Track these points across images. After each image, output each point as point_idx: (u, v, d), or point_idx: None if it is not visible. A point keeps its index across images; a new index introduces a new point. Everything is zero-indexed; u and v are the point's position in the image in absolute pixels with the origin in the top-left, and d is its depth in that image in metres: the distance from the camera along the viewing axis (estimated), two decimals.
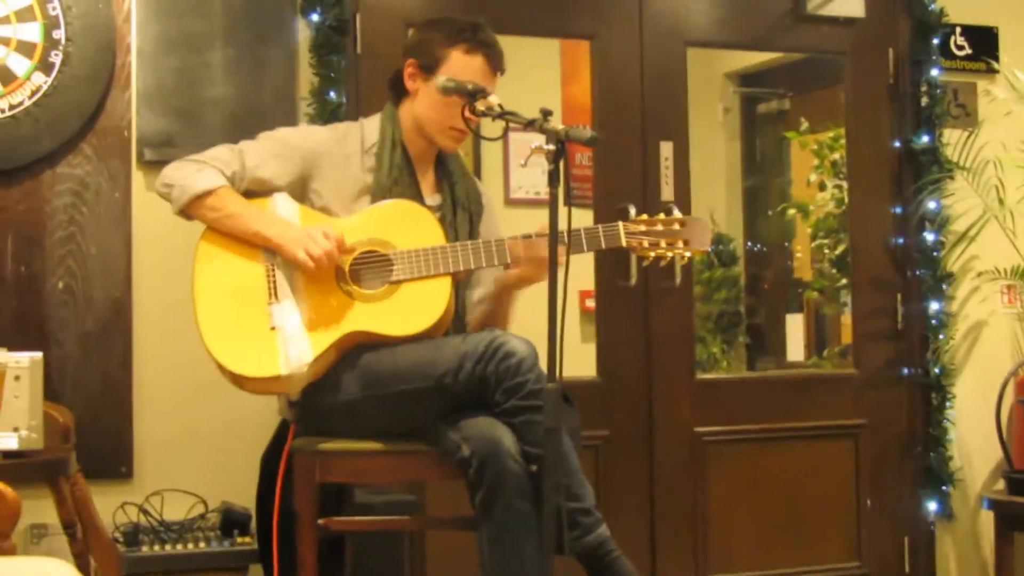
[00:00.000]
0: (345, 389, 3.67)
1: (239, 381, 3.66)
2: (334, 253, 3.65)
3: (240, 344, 3.64)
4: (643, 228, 3.80)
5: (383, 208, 3.81)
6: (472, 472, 3.47)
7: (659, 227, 3.80)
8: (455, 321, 3.87)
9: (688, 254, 3.82)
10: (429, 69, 3.91)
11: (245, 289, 3.71)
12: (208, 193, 3.77)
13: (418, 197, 3.90)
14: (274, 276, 3.72)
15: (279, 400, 3.89)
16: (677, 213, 3.85)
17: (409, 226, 3.77)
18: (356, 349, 3.69)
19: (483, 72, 3.87)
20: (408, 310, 3.68)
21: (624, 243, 3.78)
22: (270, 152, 3.88)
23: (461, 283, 3.93)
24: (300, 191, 3.87)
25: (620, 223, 3.78)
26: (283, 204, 3.82)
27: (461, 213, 3.98)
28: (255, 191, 3.84)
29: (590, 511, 3.52)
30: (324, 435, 3.75)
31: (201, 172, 3.80)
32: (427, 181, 3.99)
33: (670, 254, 3.81)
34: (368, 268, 3.73)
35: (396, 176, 3.87)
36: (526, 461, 3.46)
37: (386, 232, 3.75)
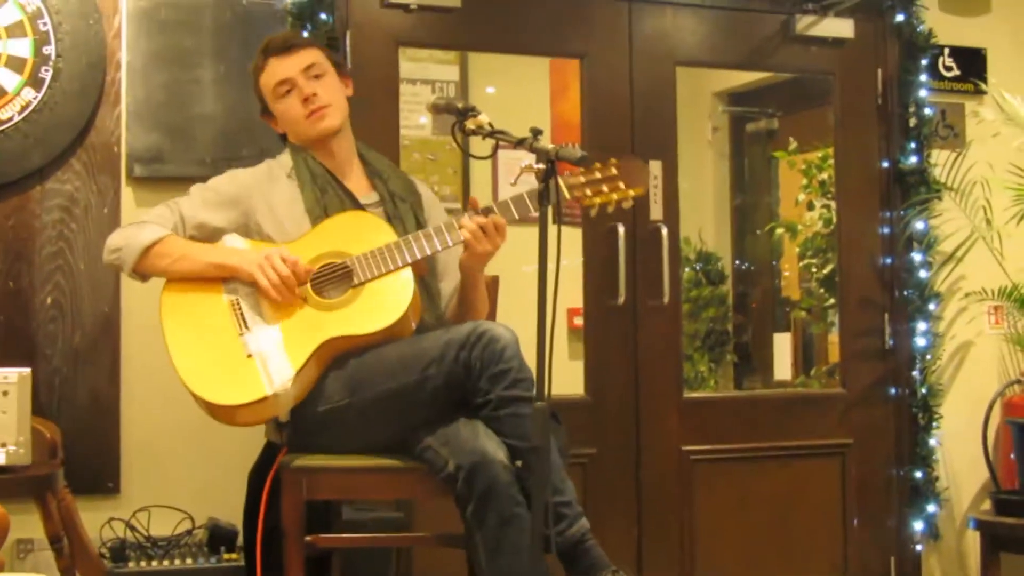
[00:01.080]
0: (332, 397, 3.68)
1: (231, 415, 3.68)
2: (290, 278, 3.70)
3: (223, 379, 3.67)
4: (582, 179, 3.84)
5: (328, 224, 3.86)
6: (460, 485, 3.47)
7: (597, 175, 3.84)
8: (434, 318, 3.90)
9: (632, 193, 3.85)
10: (264, 106, 4.12)
11: (214, 328, 3.75)
12: (155, 243, 3.83)
13: (350, 198, 3.97)
14: (239, 307, 3.77)
15: (266, 426, 3.89)
16: (610, 158, 3.87)
17: (358, 232, 3.82)
18: (341, 357, 3.71)
19: (282, 62, 4.02)
20: (375, 307, 3.72)
21: (568, 195, 3.82)
22: (206, 200, 3.95)
23: (428, 277, 3.96)
24: (245, 231, 3.94)
25: (559, 177, 3.79)
26: (233, 242, 3.90)
27: (401, 204, 4.03)
28: (200, 239, 3.91)
29: (571, 503, 3.52)
30: (316, 447, 3.75)
31: (143, 228, 3.88)
32: (357, 183, 4.05)
33: (615, 196, 3.83)
34: (328, 280, 3.77)
35: (322, 185, 3.95)
36: (512, 456, 3.47)
37: (337, 243, 3.80)
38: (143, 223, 3.90)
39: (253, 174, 4.04)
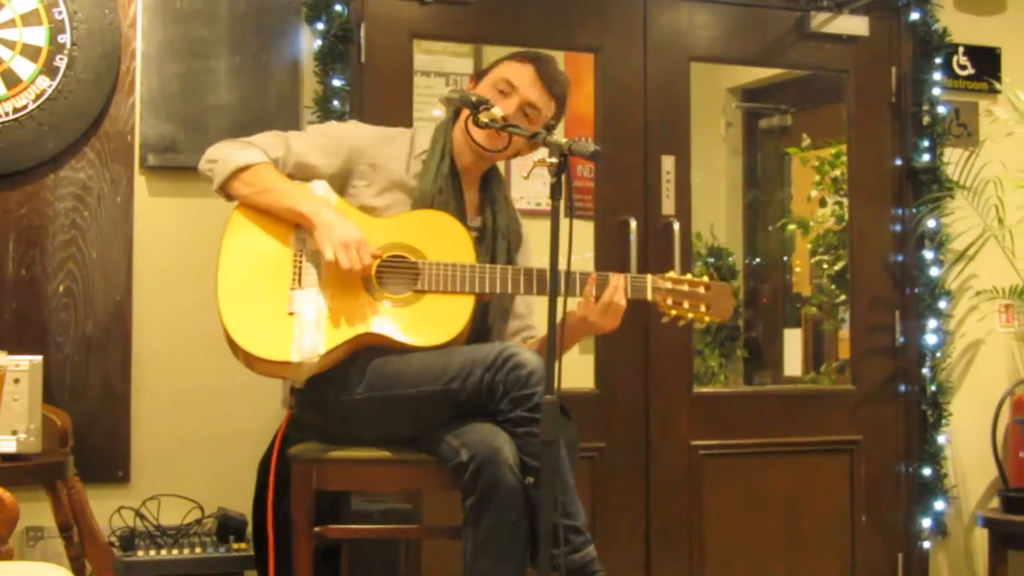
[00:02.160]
0: (351, 388, 3.65)
1: (249, 360, 3.62)
2: (363, 269, 3.62)
3: (256, 324, 3.61)
4: (669, 285, 3.81)
5: (420, 216, 3.78)
6: (467, 476, 3.46)
7: (685, 287, 3.81)
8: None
9: (708, 320, 3.84)
10: (482, 75, 3.96)
11: (270, 268, 3.67)
12: (249, 167, 3.72)
13: (461, 212, 3.86)
14: (301, 262, 3.68)
15: (283, 388, 3.87)
16: (705, 277, 3.85)
17: (442, 238, 3.74)
18: (367, 350, 3.66)
19: (532, 80, 3.86)
20: (427, 322, 3.66)
21: (649, 297, 3.80)
22: (317, 143, 3.85)
23: (493, 308, 3.90)
24: (341, 185, 3.83)
25: (649, 276, 3.79)
26: (321, 190, 3.79)
27: (500, 240, 3.94)
28: (297, 177, 3.80)
29: (580, 530, 3.50)
30: (327, 433, 3.75)
31: (244, 149, 3.77)
32: (471, 202, 3.95)
33: (691, 316, 3.82)
34: (394, 273, 3.69)
35: (441, 185, 3.83)
36: (524, 473, 3.46)
37: (418, 240, 3.72)
38: (247, 143, 3.80)
39: (376, 135, 3.93)
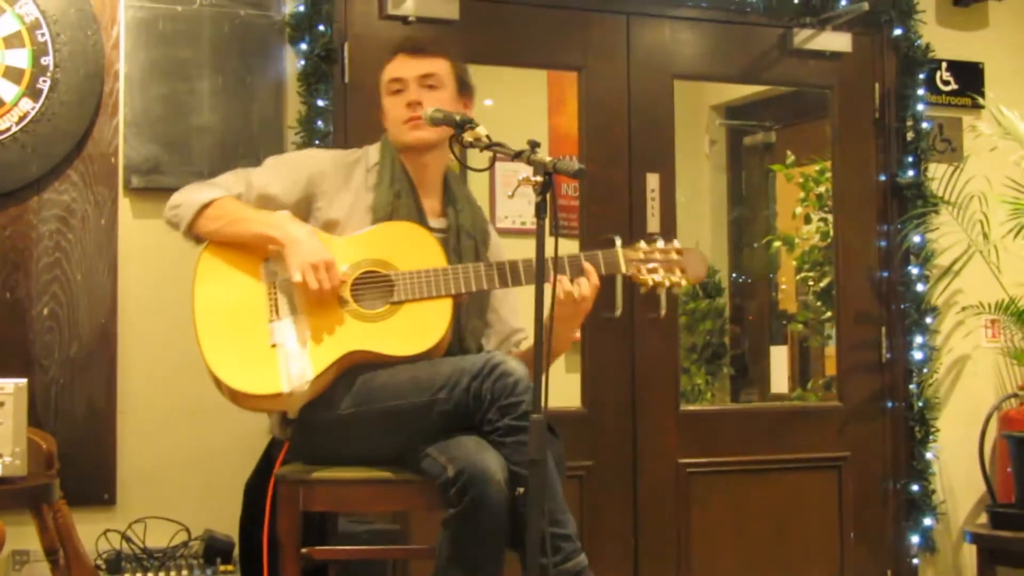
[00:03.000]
0: (339, 405, 3.65)
1: (237, 398, 3.63)
2: (332, 289, 3.63)
3: (240, 361, 3.61)
4: (641, 255, 3.80)
5: (386, 228, 3.80)
6: (454, 492, 3.45)
7: (657, 255, 3.80)
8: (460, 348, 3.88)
9: (684, 283, 3.82)
10: (380, 106, 4.04)
11: (246, 306, 3.69)
12: (212, 202, 3.75)
13: (420, 215, 3.89)
14: (275, 293, 3.70)
15: (270, 419, 3.86)
16: (675, 241, 3.85)
17: (411, 247, 3.76)
18: (353, 367, 3.67)
19: (406, 61, 3.96)
20: (409, 331, 3.67)
21: (624, 269, 3.79)
22: (276, 174, 3.89)
23: (465, 308, 3.90)
24: (305, 211, 3.86)
25: (619, 248, 3.79)
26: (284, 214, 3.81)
27: (466, 240, 3.96)
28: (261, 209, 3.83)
29: (571, 538, 3.51)
30: (316, 452, 3.73)
31: (203, 187, 3.82)
32: (431, 205, 3.97)
33: (667, 282, 3.80)
34: (369, 288, 3.71)
35: (398, 190, 3.87)
36: (514, 483, 3.46)
37: (387, 253, 3.74)
38: (208, 183, 3.84)
39: (333, 158, 3.98)
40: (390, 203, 3.84)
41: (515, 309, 4.04)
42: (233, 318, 3.68)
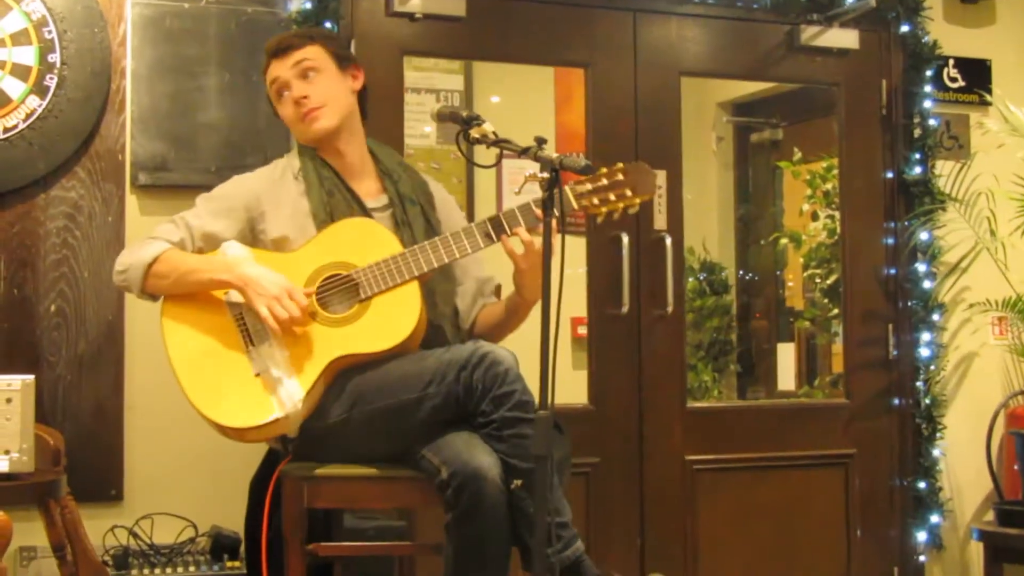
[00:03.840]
0: (333, 412, 3.66)
1: (240, 435, 3.66)
2: (300, 319, 3.64)
3: (230, 399, 3.64)
4: (589, 187, 3.76)
5: (333, 231, 3.81)
6: (450, 493, 3.47)
7: (603, 181, 3.75)
8: (448, 328, 3.90)
9: (638, 200, 3.77)
10: (269, 99, 4.11)
11: (220, 344, 3.72)
12: (155, 259, 3.76)
13: (357, 202, 3.92)
14: (244, 323, 3.72)
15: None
16: (618, 164, 3.81)
17: (363, 242, 3.77)
18: (341, 373, 3.69)
19: (279, 63, 4.00)
20: (383, 324, 3.68)
21: (576, 204, 3.76)
22: (211, 210, 3.90)
23: (436, 281, 3.90)
24: (251, 237, 3.89)
25: (566, 186, 3.71)
26: (234, 249, 3.81)
27: (411, 207, 3.98)
28: (207, 249, 3.85)
29: (567, 525, 3.52)
30: (318, 458, 3.74)
31: (145, 245, 3.83)
32: (367, 187, 4.00)
33: (622, 204, 3.76)
34: (334, 293, 3.73)
35: (329, 188, 3.90)
36: (511, 476, 3.46)
37: (343, 253, 3.75)
38: (147, 239, 3.85)
39: (259, 177, 4.00)
40: (326, 203, 3.87)
41: (478, 259, 4.01)
42: (211, 360, 3.70)
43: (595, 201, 3.76)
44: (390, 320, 3.69)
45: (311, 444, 3.73)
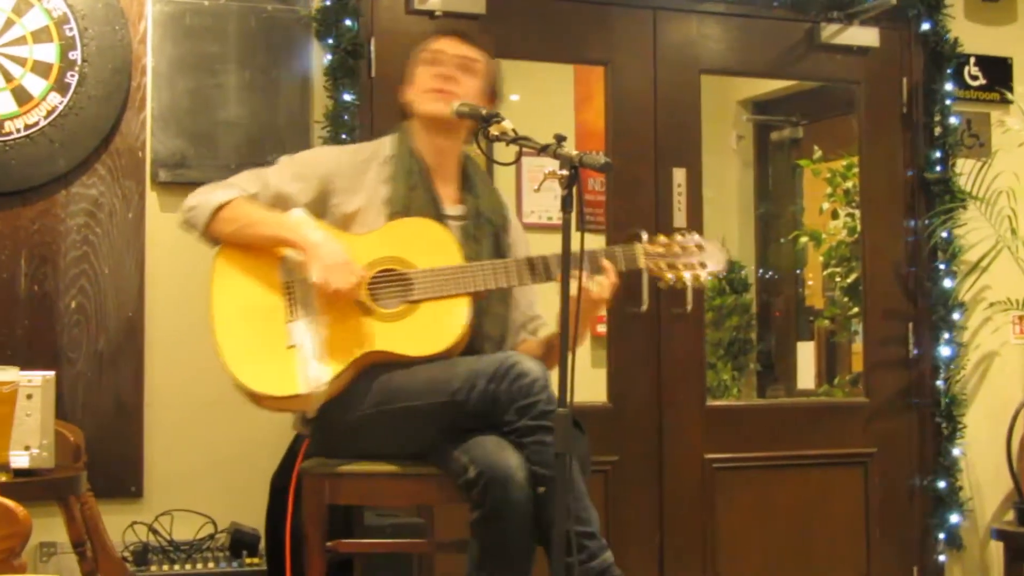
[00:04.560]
0: (358, 406, 3.64)
1: (256, 399, 3.63)
2: (354, 292, 3.62)
3: (258, 362, 3.62)
4: (661, 250, 3.79)
5: (401, 225, 3.78)
6: (476, 493, 3.45)
7: (676, 248, 3.79)
8: (483, 342, 3.86)
9: (704, 276, 3.81)
10: (408, 76, 4.00)
11: (263, 307, 3.68)
12: (226, 204, 3.74)
13: (436, 204, 3.86)
14: (292, 293, 3.69)
15: (294, 414, 3.87)
16: (694, 235, 3.84)
17: (427, 244, 3.74)
18: (371, 367, 3.66)
19: (449, 41, 3.95)
20: (426, 331, 3.66)
21: (642, 264, 3.78)
22: (290, 172, 3.86)
23: (483, 313, 3.86)
24: (321, 209, 3.83)
25: (638, 244, 3.77)
26: (299, 215, 3.77)
27: (485, 226, 3.93)
28: (277, 209, 3.79)
29: (595, 535, 3.49)
30: (337, 451, 3.73)
31: (218, 188, 3.80)
32: (448, 192, 3.94)
33: (687, 275, 3.79)
34: (386, 287, 3.69)
35: (413, 183, 3.84)
36: (535, 483, 3.45)
37: (403, 250, 3.72)
38: (224, 184, 3.82)
39: (344, 153, 3.97)
40: (405, 196, 3.81)
41: (533, 296, 4.02)
42: (250, 319, 3.68)
43: (663, 265, 3.78)
44: (434, 328, 3.66)
45: (333, 435, 3.71)
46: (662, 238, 3.82)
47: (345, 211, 3.82)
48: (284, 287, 3.71)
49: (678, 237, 3.82)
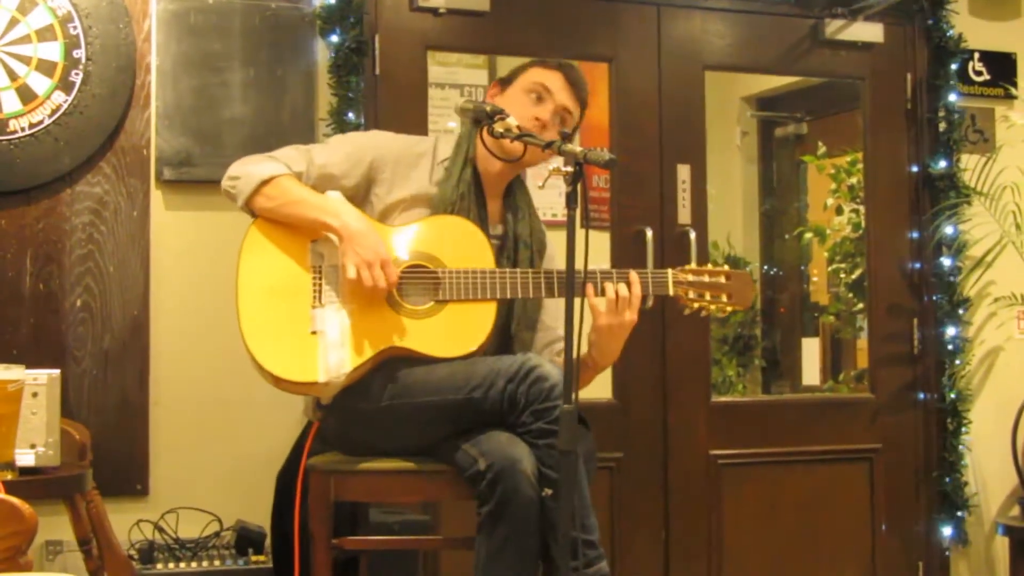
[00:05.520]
0: (374, 397, 3.63)
1: (275, 381, 3.61)
2: (388, 287, 3.60)
3: (280, 345, 3.59)
4: (690, 278, 3.80)
5: (437, 222, 3.75)
6: (484, 485, 3.45)
7: (706, 278, 3.80)
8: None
9: (731, 309, 3.84)
10: (507, 81, 3.95)
11: (290, 288, 3.65)
12: (270, 179, 3.69)
13: (482, 220, 3.83)
14: (320, 279, 3.65)
15: (305, 400, 3.86)
16: (724, 267, 3.85)
17: (461, 245, 3.72)
18: (391, 360, 3.65)
19: (563, 85, 3.88)
20: (451, 332, 3.64)
21: (671, 292, 3.79)
22: (339, 153, 3.82)
23: (518, 317, 3.87)
24: (363, 195, 3.81)
25: (669, 270, 3.79)
26: (336, 198, 3.75)
27: (523, 249, 3.91)
28: (319, 190, 3.75)
29: (594, 544, 3.49)
30: (347, 440, 3.73)
31: (266, 163, 3.75)
32: (493, 211, 3.92)
33: (714, 307, 3.81)
34: (414, 283, 3.67)
35: (463, 192, 3.80)
36: (542, 484, 3.45)
37: (437, 248, 3.70)
38: (269, 156, 3.78)
39: (398, 143, 3.91)
40: (453, 203, 3.77)
41: (560, 316, 4.01)
42: (276, 300, 3.64)
43: (691, 294, 3.80)
44: (458, 331, 3.65)
45: (345, 424, 3.70)
46: (692, 266, 3.85)
47: (386, 204, 3.79)
48: (313, 272, 3.67)
49: (708, 265, 3.85)
